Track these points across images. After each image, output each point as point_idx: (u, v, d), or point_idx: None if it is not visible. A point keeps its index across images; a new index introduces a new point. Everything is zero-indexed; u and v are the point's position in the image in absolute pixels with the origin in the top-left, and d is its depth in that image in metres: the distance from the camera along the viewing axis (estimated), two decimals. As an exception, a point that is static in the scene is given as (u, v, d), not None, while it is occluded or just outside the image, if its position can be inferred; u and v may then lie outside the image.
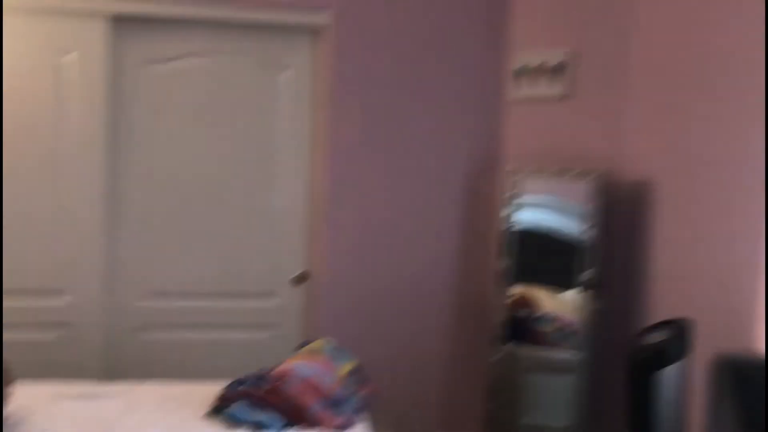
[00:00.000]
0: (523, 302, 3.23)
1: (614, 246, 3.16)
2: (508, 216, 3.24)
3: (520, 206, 3.23)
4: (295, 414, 2.32)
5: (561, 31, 3.26)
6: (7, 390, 2.19)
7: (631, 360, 2.39)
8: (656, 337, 2.37)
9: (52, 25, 3.11)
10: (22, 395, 2.44)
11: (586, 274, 3.03)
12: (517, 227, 3.23)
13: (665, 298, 2.90)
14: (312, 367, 2.48)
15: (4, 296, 3.11)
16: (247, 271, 3.38)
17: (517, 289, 3.24)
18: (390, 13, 3.31)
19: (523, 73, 3.34)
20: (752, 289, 2.31)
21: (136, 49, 3.22)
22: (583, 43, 3.21)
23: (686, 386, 2.36)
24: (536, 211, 3.22)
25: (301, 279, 3.42)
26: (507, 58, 3.40)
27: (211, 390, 2.56)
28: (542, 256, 3.22)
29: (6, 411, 2.22)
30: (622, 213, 3.15)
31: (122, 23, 3.18)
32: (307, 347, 2.73)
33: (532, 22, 3.33)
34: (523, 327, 3.22)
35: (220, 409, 2.39)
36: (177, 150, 3.29)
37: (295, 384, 2.37)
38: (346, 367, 2.60)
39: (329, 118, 3.31)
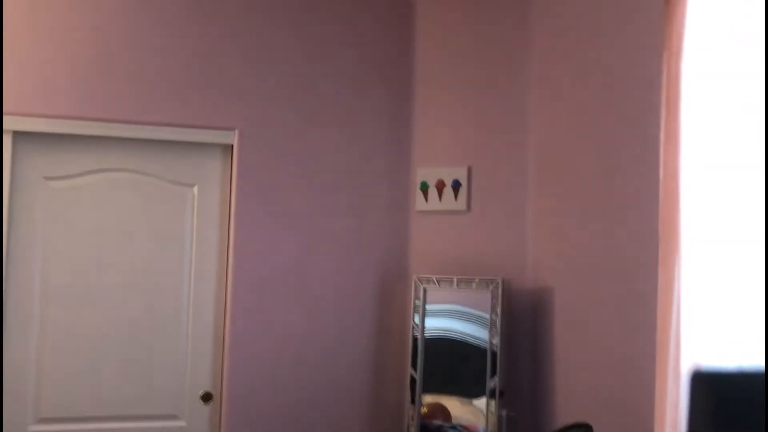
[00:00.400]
0: (435, 412, 3.24)
1: (518, 352, 3.26)
2: (418, 324, 3.30)
3: (428, 314, 3.30)
4: None
5: (458, 149, 3.47)
6: None
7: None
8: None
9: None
10: None
11: (493, 382, 3.09)
12: (426, 335, 3.28)
13: (569, 402, 2.98)
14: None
15: None
16: (150, 392, 3.25)
17: (429, 398, 3.25)
18: (295, 132, 3.42)
19: (425, 188, 3.50)
20: (649, 389, 2.42)
21: (39, 164, 3.19)
22: (479, 159, 3.42)
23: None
24: (444, 319, 3.30)
25: (206, 398, 3.32)
26: (412, 173, 3.56)
27: None
28: (451, 364, 3.27)
29: None
30: (525, 320, 3.27)
31: (24, 139, 3.16)
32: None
33: (432, 141, 3.53)
34: (435, 437, 3.22)
35: None
36: (77, 265, 3.21)
37: None
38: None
39: (236, 232, 3.33)
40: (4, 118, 3.08)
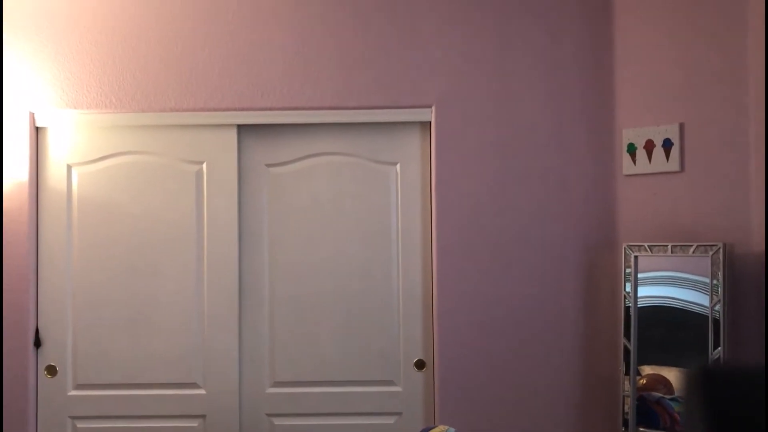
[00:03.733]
0: (655, 383, 3.10)
1: (743, 320, 2.99)
2: (630, 293, 3.16)
3: (640, 282, 3.15)
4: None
5: (670, 105, 3.23)
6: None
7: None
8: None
9: (190, 137, 3.47)
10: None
11: (717, 352, 2.89)
12: (639, 304, 3.14)
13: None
14: (431, 454, 2.50)
15: (150, 389, 3.42)
16: (368, 359, 3.47)
17: (645, 369, 3.12)
18: (491, 102, 3.40)
19: (633, 150, 3.32)
20: None
21: (261, 153, 3.51)
22: (693, 115, 3.16)
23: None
24: (658, 287, 3.13)
25: (420, 366, 3.47)
26: (617, 134, 3.39)
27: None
28: (668, 333, 3.10)
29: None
30: (750, 287, 2.99)
31: (247, 131, 3.49)
32: (427, 433, 2.75)
33: (637, 98, 3.32)
34: (653, 410, 3.08)
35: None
36: (298, 243, 3.49)
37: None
38: (465, 453, 2.60)
39: (437, 205, 3.40)
40: (232, 113, 3.42)
